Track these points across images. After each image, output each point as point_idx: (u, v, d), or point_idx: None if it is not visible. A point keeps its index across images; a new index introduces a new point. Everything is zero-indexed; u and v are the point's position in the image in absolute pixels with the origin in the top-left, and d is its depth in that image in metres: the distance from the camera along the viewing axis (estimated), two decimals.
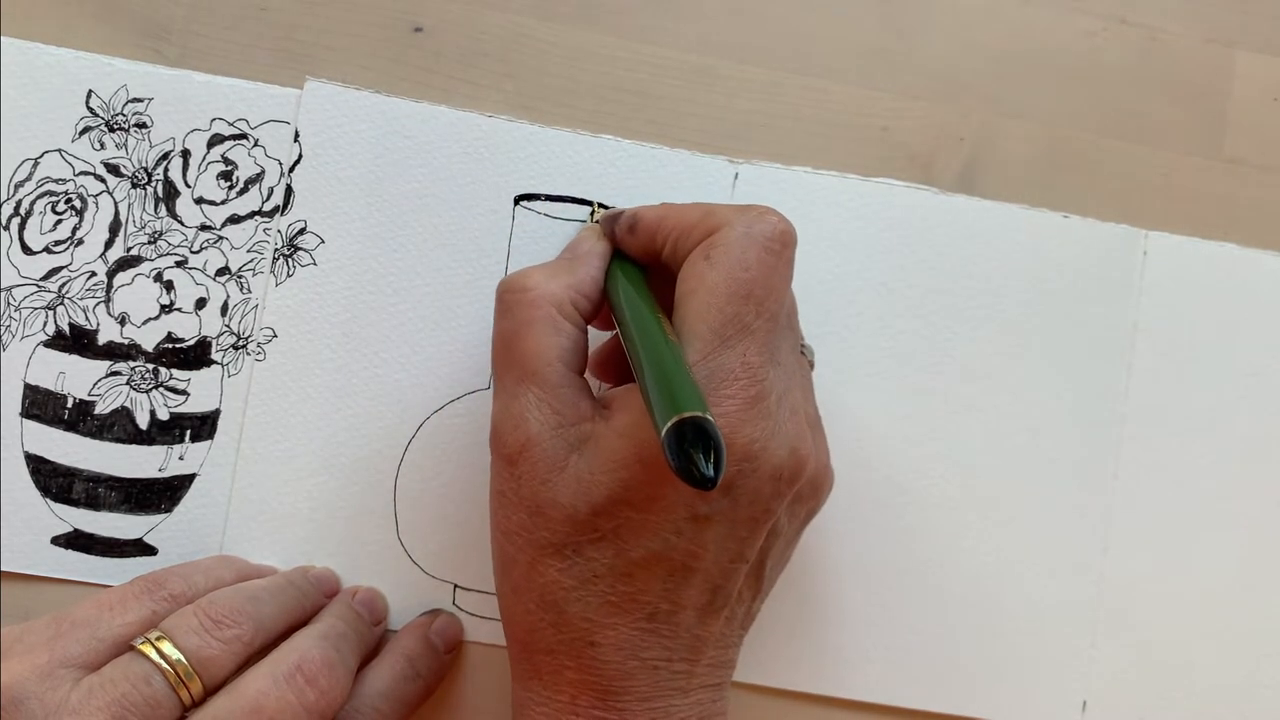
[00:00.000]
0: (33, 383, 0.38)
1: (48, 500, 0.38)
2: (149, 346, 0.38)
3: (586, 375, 0.34)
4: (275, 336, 0.39)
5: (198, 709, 0.31)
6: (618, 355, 0.37)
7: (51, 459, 0.38)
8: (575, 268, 0.35)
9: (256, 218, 0.39)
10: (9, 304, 0.38)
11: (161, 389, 0.38)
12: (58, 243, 0.38)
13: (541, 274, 0.34)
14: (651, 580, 0.31)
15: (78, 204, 0.38)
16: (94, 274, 0.38)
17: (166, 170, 0.39)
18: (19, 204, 0.38)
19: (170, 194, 0.39)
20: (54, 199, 0.38)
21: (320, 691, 0.32)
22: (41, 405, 0.38)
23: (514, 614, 0.33)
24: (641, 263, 0.35)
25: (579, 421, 0.32)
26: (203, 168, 0.39)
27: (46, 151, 0.38)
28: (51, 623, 0.32)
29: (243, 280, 0.39)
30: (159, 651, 0.31)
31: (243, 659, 0.32)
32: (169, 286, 0.38)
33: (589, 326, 0.34)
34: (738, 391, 0.30)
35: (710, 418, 0.27)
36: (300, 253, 0.39)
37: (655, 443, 0.30)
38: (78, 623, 0.32)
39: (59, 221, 0.38)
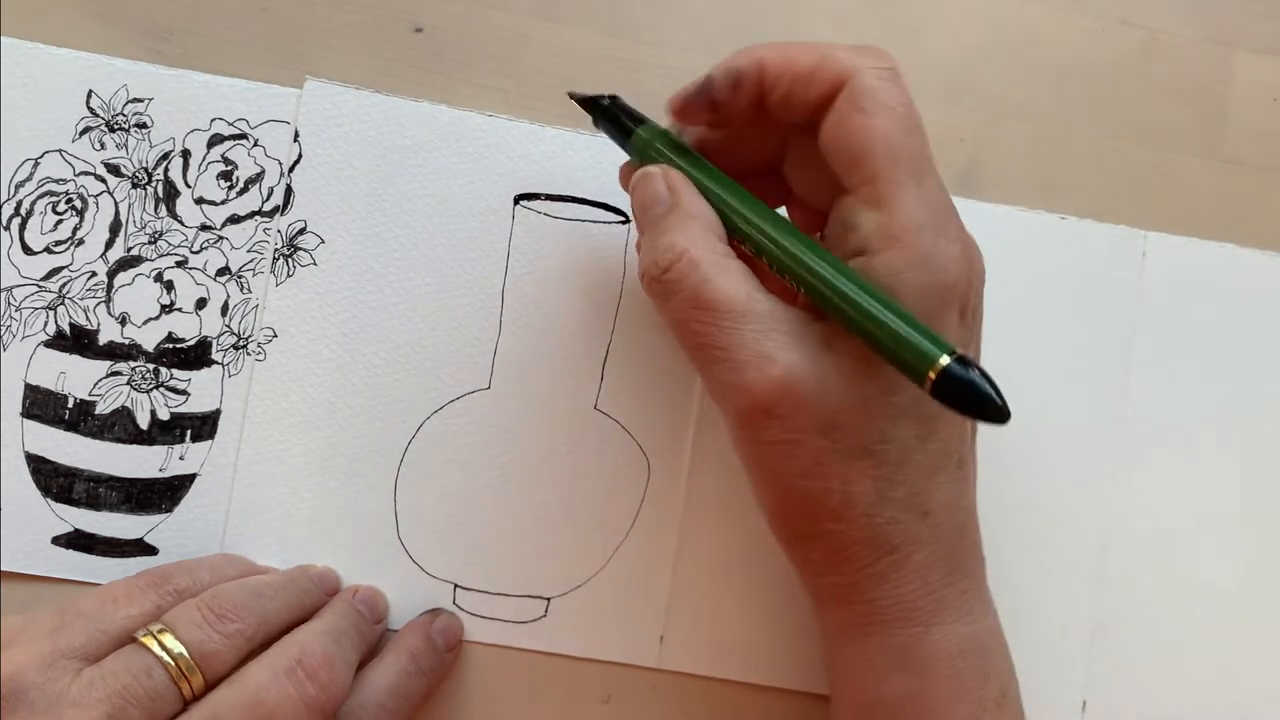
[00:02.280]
0: (33, 383, 0.38)
1: (48, 500, 0.38)
2: (149, 346, 0.38)
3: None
4: (275, 336, 0.39)
5: (198, 702, 0.31)
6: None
7: (52, 459, 0.38)
8: (685, 212, 0.32)
9: (256, 218, 0.39)
10: (9, 304, 0.38)
11: (162, 389, 0.38)
12: (58, 243, 0.38)
13: (671, 234, 0.32)
14: (951, 428, 0.32)
15: (78, 204, 0.38)
16: (94, 274, 0.38)
17: (167, 170, 0.39)
18: (19, 204, 0.38)
19: (170, 194, 0.39)
20: (54, 199, 0.38)
21: (320, 686, 0.32)
22: (42, 405, 0.38)
23: (845, 540, 0.32)
24: (728, 125, 0.34)
25: (807, 325, 0.31)
26: (203, 168, 0.39)
27: (47, 151, 0.38)
28: (55, 614, 0.32)
29: (243, 280, 0.39)
30: (161, 644, 0.31)
31: (244, 654, 0.32)
32: (169, 286, 0.38)
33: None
34: (956, 220, 0.32)
35: (966, 353, 0.28)
36: (300, 253, 0.39)
37: None
38: (81, 614, 0.32)
39: (59, 221, 0.38)
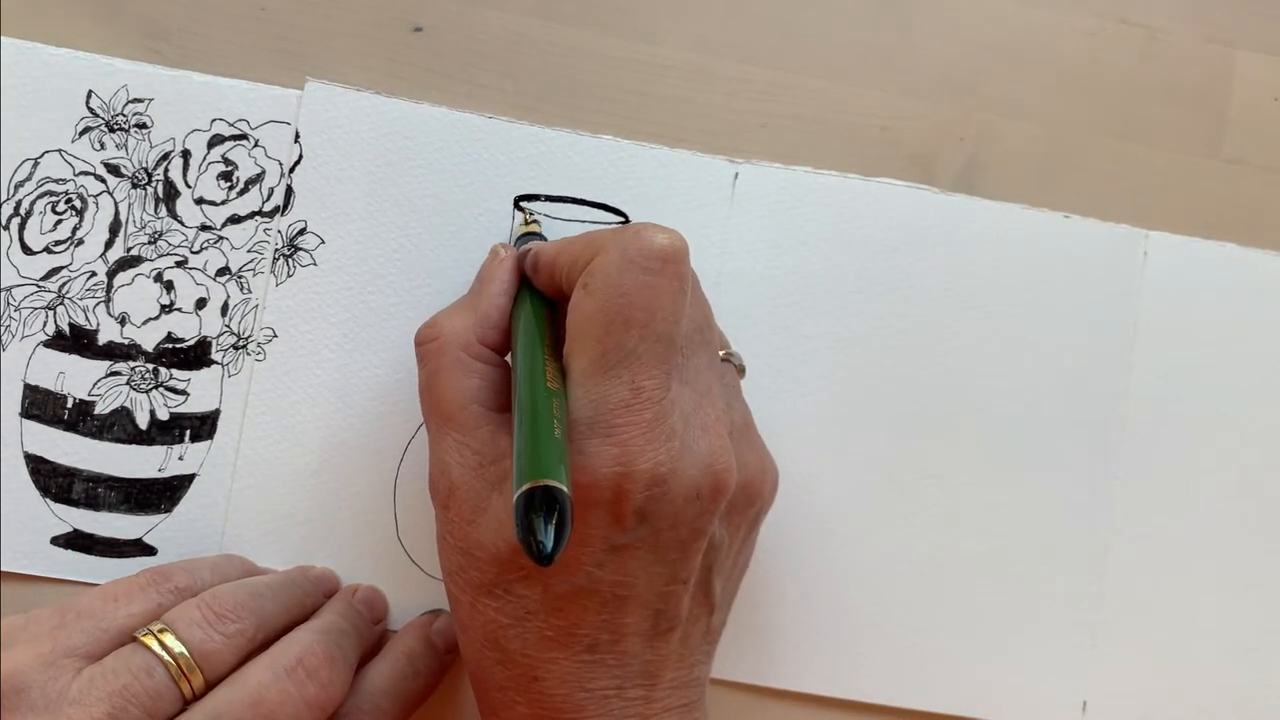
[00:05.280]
0: (33, 383, 0.38)
1: (47, 500, 0.38)
2: (149, 346, 0.38)
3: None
4: (275, 336, 0.39)
5: (199, 701, 0.31)
6: None
7: (51, 459, 0.38)
8: (477, 300, 0.35)
9: (257, 218, 0.39)
10: (9, 304, 0.38)
11: (161, 389, 0.38)
12: (58, 243, 0.38)
13: (447, 315, 0.34)
14: (584, 613, 0.31)
15: (78, 204, 0.38)
16: (94, 274, 0.38)
17: (167, 170, 0.39)
18: (19, 204, 0.38)
19: (170, 194, 0.39)
20: (54, 199, 0.38)
21: (321, 685, 0.32)
22: (41, 405, 0.38)
23: (466, 652, 0.33)
24: (554, 299, 0.35)
25: (498, 459, 0.32)
26: (203, 168, 0.39)
27: (46, 151, 0.38)
28: (56, 612, 0.32)
29: (243, 280, 0.39)
30: (161, 643, 0.31)
31: (244, 654, 0.32)
32: (169, 286, 0.38)
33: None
34: (632, 418, 0.30)
35: (563, 487, 0.27)
36: (300, 253, 0.39)
37: None
38: (82, 613, 0.32)
39: (59, 221, 0.38)
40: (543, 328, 0.33)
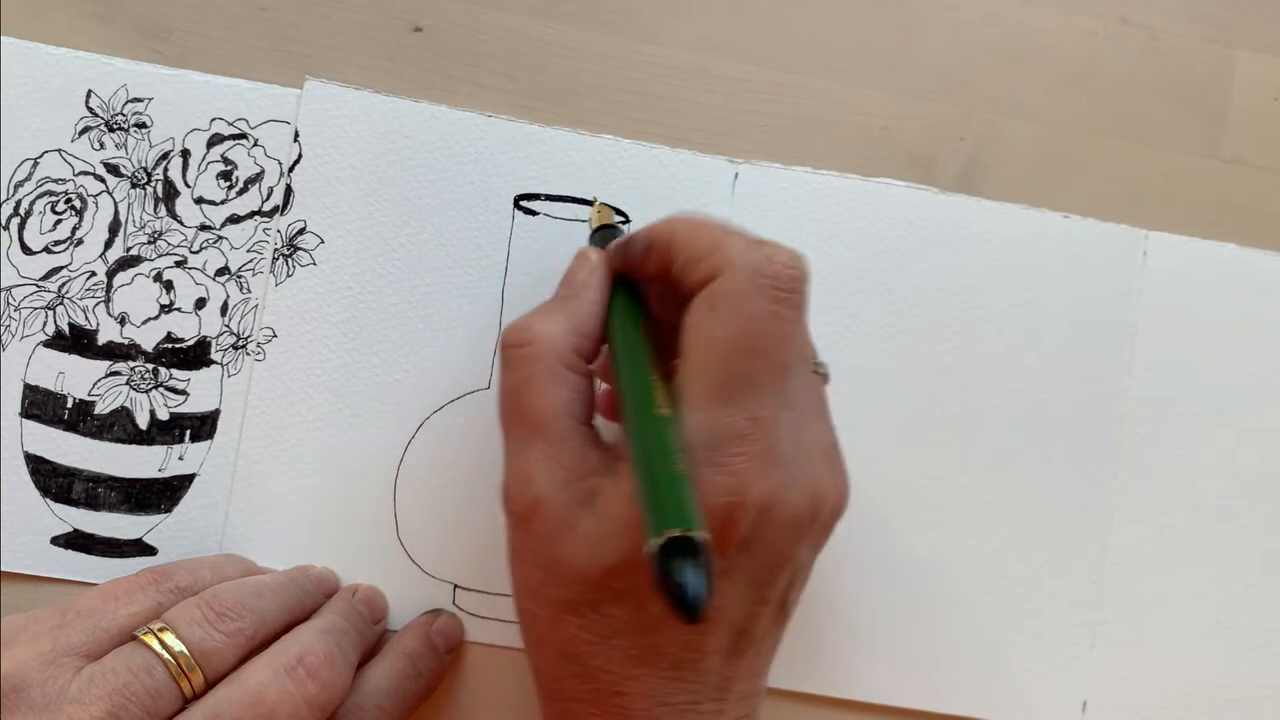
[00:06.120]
0: (33, 383, 0.38)
1: (48, 500, 0.38)
2: (149, 346, 0.38)
3: (597, 419, 0.33)
4: (275, 336, 0.39)
5: (199, 700, 0.31)
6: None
7: (51, 459, 0.38)
8: (571, 307, 0.33)
9: (256, 218, 0.39)
10: (9, 304, 0.38)
11: (161, 389, 0.38)
12: (57, 243, 0.38)
13: (541, 320, 0.33)
14: (672, 634, 0.30)
15: (77, 204, 0.38)
16: (94, 274, 0.38)
17: (166, 170, 0.39)
18: (19, 204, 0.38)
19: (170, 194, 0.39)
20: (54, 199, 0.38)
21: (321, 684, 0.32)
22: (41, 405, 0.38)
23: (539, 665, 0.32)
24: (650, 283, 0.34)
25: (587, 475, 0.31)
26: (202, 167, 0.39)
27: (46, 151, 0.38)
28: (56, 612, 0.32)
29: (242, 280, 0.39)
30: (161, 642, 0.31)
31: (244, 653, 0.32)
32: (169, 286, 0.38)
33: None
34: (746, 447, 0.29)
35: (704, 537, 0.26)
36: (300, 253, 0.39)
37: None
38: (82, 612, 0.32)
39: (59, 221, 0.38)
40: (645, 343, 0.32)
